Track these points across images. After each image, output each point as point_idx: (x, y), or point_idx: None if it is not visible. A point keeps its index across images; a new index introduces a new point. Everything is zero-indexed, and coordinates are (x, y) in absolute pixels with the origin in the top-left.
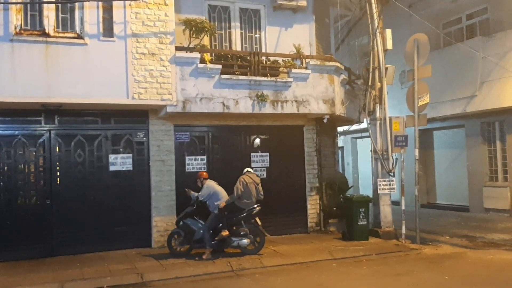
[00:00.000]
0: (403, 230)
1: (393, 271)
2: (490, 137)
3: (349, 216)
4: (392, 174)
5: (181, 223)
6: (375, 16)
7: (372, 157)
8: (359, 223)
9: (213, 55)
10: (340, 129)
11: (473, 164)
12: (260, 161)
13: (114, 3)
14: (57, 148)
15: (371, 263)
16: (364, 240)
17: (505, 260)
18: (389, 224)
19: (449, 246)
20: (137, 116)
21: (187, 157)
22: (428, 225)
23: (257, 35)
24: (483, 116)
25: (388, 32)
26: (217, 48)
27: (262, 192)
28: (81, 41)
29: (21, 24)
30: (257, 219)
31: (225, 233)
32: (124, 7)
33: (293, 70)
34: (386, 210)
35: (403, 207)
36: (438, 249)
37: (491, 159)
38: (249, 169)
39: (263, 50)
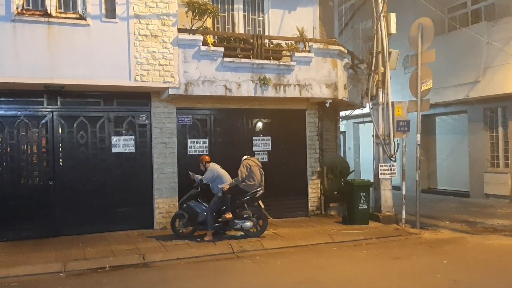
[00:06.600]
0: (403, 215)
1: (393, 254)
2: (492, 123)
3: (350, 200)
4: (393, 159)
5: (185, 205)
6: None
7: (374, 141)
8: (359, 207)
9: (216, 38)
10: (342, 113)
11: (475, 150)
12: (261, 144)
13: None
14: (60, 129)
15: (370, 247)
16: (364, 224)
17: (504, 246)
18: (389, 208)
19: (449, 231)
20: (139, 98)
21: (189, 140)
22: (428, 210)
23: (261, 18)
24: (486, 102)
25: (393, 16)
26: (220, 30)
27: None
28: (83, 22)
29: (23, 4)
30: (260, 202)
31: (229, 215)
32: None
33: (296, 54)
34: (386, 195)
35: (403, 192)
36: (437, 234)
37: (493, 145)
38: (248, 156)
39: (266, 33)
